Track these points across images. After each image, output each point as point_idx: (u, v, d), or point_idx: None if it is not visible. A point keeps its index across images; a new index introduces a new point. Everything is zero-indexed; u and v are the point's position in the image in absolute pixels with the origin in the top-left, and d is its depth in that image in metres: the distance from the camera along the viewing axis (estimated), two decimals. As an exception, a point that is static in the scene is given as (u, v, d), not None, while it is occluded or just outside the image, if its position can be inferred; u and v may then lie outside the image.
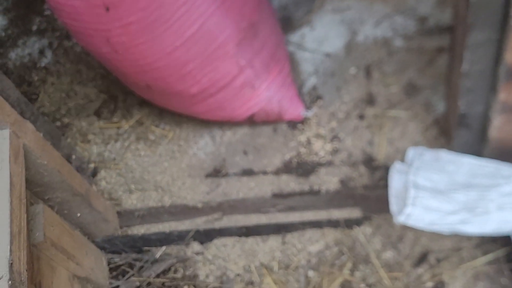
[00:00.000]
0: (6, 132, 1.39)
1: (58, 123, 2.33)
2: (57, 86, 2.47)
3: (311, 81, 2.29)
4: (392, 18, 2.37)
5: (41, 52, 2.60)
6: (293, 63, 2.33)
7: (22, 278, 1.23)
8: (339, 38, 2.36)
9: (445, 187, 1.63)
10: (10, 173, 1.34)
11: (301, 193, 2.07)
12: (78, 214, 1.83)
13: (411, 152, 1.79)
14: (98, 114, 2.35)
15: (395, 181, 1.70)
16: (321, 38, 2.38)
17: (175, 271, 2.15)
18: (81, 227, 1.91)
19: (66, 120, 2.36)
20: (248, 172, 2.13)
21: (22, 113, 1.79)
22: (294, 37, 2.41)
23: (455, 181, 1.65)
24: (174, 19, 1.74)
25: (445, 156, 1.70)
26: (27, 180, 1.51)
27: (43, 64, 2.55)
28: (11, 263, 1.21)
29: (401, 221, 1.68)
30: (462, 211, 1.61)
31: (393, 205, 1.72)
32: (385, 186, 2.02)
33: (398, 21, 2.36)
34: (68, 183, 1.67)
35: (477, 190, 1.62)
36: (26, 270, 1.26)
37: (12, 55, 2.61)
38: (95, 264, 1.89)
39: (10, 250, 1.22)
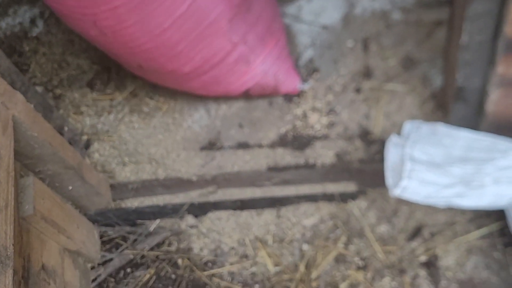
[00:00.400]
0: (-6, 103, 1.36)
1: (50, 94, 2.29)
2: (49, 57, 2.43)
3: (307, 54, 2.25)
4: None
5: (32, 22, 2.54)
6: (289, 36, 2.28)
7: (8, 253, 1.21)
8: (336, 10, 2.31)
9: (442, 160, 1.61)
10: (-2, 145, 1.31)
11: (297, 167, 2.04)
12: (70, 187, 1.81)
13: (408, 126, 1.76)
14: (91, 85, 2.32)
15: (391, 154, 1.67)
16: (318, 10, 2.33)
17: (169, 244, 2.14)
18: (72, 200, 1.89)
19: (58, 91, 2.32)
20: (243, 145, 2.11)
21: (12, 84, 1.76)
22: (291, 9, 2.36)
23: (452, 154, 1.63)
24: (162, -1, 1.69)
25: (442, 129, 1.67)
26: (17, 152, 1.49)
27: (34, 34, 2.50)
28: (-2, 237, 1.19)
29: (397, 194, 1.66)
30: (458, 184, 1.59)
31: (389, 178, 1.69)
32: (381, 160, 2.00)
33: (397, -8, 2.32)
34: (60, 155, 1.64)
35: (473, 164, 1.60)
36: (13, 244, 1.24)
37: (2, 24, 2.56)
38: (86, 237, 1.88)
39: (-3, 224, 1.20)
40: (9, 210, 1.27)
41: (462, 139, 1.64)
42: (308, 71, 2.19)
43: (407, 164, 1.60)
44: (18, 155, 1.54)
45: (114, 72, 2.33)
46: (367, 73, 2.17)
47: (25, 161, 1.61)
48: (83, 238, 1.84)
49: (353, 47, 2.23)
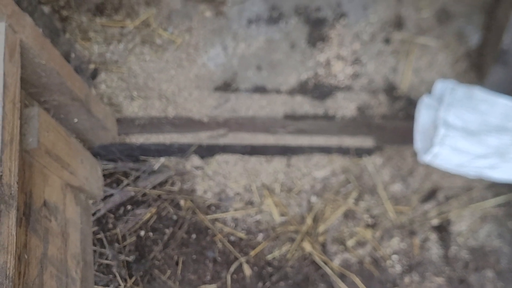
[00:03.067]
0: (1, 26, 1.22)
1: (56, 16, 2.13)
2: (57, -25, 2.25)
3: (335, -4, 2.09)
4: None
5: None
6: (317, -26, 2.12)
7: (12, 192, 1.11)
8: (371, -50, 2.14)
9: (477, 128, 1.50)
10: (4, 73, 1.18)
11: (315, 117, 1.93)
12: (76, 120, 1.70)
13: (440, 85, 1.64)
14: (100, 9, 2.15)
15: (423, 116, 1.56)
16: (351, -52, 2.16)
17: (172, 184, 2.06)
18: (77, 133, 1.78)
19: (65, 12, 2.16)
20: (260, 89, 1.98)
21: (18, 3, 1.61)
22: None
23: (488, 122, 1.52)
24: None
25: (479, 94, 1.55)
26: (22, 80, 1.36)
27: None
28: (1, 176, 1.08)
29: (427, 160, 1.55)
30: (493, 155, 1.49)
31: (418, 142, 1.59)
32: (405, 118, 1.89)
33: None
34: (67, 86, 1.52)
35: (510, 135, 1.50)
36: (17, 182, 1.14)
37: None
38: (90, 173, 1.78)
39: (0, 161, 1.10)
40: (14, 145, 1.16)
41: (501, 106, 1.52)
42: (335, 15, 2.04)
43: (440, 129, 1.48)
44: (23, 83, 1.42)
45: (126, -3, 2.16)
46: (398, 23, 2.02)
47: (30, 89, 1.49)
48: (86, 173, 1.75)
49: (385, -7, 2.08)
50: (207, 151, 2.04)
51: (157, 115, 1.98)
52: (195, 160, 2.06)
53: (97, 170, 1.87)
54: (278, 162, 2.06)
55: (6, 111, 1.16)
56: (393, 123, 1.90)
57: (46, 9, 2.08)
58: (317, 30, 2.01)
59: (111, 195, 2.04)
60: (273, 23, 2.03)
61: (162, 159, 2.06)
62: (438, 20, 2.00)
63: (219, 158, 2.05)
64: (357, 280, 1.92)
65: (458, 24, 1.99)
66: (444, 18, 1.99)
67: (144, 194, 2.04)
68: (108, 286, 1.91)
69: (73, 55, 1.92)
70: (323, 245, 1.97)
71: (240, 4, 2.08)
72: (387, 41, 2.00)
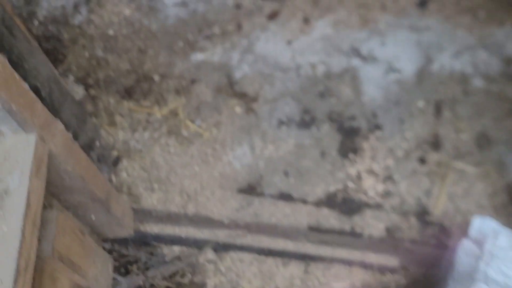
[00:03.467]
0: (32, 138, 1.16)
1: (87, 99, 2.08)
2: (88, 51, 2.20)
3: (371, 105, 2.03)
4: (475, 51, 2.09)
5: (76, 8, 2.30)
6: (355, 80, 2.06)
7: (22, 326, 1.03)
8: (411, 62, 2.09)
9: (519, 285, 1.40)
10: (28, 190, 1.11)
11: (341, 232, 1.85)
12: (93, 217, 1.62)
13: (478, 223, 1.55)
14: (129, 93, 2.10)
15: (462, 264, 1.46)
16: (391, 58, 2.10)
17: (182, 275, 1.96)
18: (92, 227, 1.70)
19: (92, 91, 2.11)
20: (285, 197, 1.90)
21: (50, 93, 1.56)
22: (362, 49, 2.13)
23: (531, 278, 1.42)
24: None
25: (523, 243, 1.46)
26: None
27: (76, 22, 2.27)
28: (12, 312, 1.00)
29: (463, 317, 1.45)
30: (534, 321, 1.38)
31: (453, 291, 1.49)
32: (436, 246, 1.80)
33: (481, 56, 2.08)
34: (90, 189, 1.45)
35: (553, 295, 1.40)
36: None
37: (44, 4, 2.32)
38: (100, 272, 1.69)
39: (13, 294, 1.01)
40: (29, 273, 1.08)
41: (545, 260, 1.43)
42: (370, 126, 1.98)
43: (480, 286, 1.38)
44: (46, 184, 1.35)
45: (156, 83, 2.11)
46: (435, 143, 1.95)
47: (51, 189, 1.42)
48: (96, 273, 1.65)
49: (423, 108, 2.02)
50: (222, 247, 1.96)
51: (176, 211, 1.91)
52: (209, 254, 1.97)
53: (108, 268, 1.78)
54: (295, 267, 1.97)
55: (26, 235, 1.08)
56: (423, 250, 1.81)
57: (80, 90, 2.02)
58: (349, 139, 1.95)
59: (118, 283, 1.94)
60: (304, 127, 1.97)
61: (175, 249, 1.98)
62: (478, 145, 1.93)
63: (234, 255, 1.96)
64: None
65: (499, 152, 1.91)
66: (484, 143, 1.92)
67: (152, 285, 1.94)
68: None
69: (97, 143, 1.86)
70: None
71: (272, 103, 2.02)
72: (422, 160, 1.93)
